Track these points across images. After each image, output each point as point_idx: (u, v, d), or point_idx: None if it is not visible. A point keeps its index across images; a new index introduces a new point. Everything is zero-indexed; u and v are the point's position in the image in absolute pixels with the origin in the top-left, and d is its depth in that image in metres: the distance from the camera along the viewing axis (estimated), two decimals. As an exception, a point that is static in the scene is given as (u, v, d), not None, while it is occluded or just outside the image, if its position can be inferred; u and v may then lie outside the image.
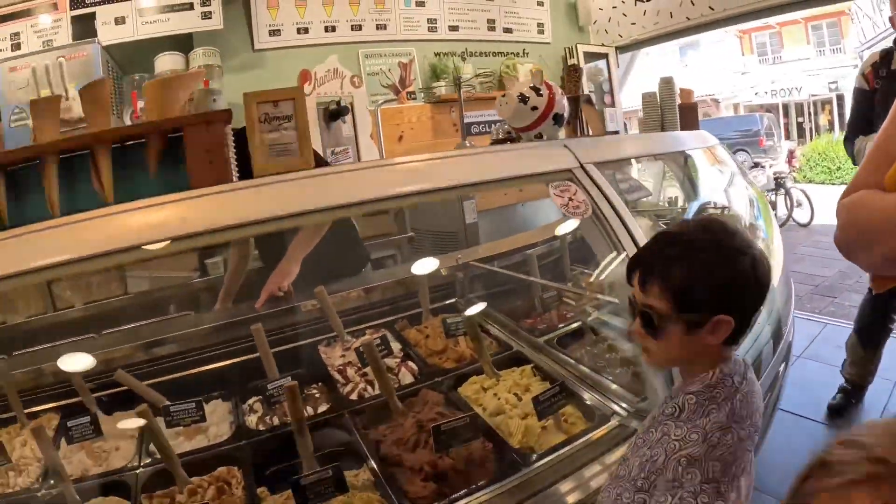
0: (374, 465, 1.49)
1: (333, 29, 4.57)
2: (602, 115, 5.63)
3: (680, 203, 3.09)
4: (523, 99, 1.76)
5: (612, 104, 5.54)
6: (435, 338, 2.12)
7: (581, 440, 1.54)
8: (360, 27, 4.65)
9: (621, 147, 2.29)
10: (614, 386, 1.77)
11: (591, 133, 2.74)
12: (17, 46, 3.89)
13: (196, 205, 1.30)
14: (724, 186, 2.96)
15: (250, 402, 1.82)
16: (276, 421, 1.70)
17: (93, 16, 3.94)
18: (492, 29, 5.25)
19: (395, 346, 2.13)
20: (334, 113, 4.12)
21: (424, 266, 2.26)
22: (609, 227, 1.65)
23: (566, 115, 1.87)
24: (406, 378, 1.95)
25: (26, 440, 1.54)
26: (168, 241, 1.27)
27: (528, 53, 5.38)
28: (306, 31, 4.49)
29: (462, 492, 1.37)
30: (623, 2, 5.41)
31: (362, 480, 1.46)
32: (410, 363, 2.03)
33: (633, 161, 2.67)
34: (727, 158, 3.09)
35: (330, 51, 4.47)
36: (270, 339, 1.89)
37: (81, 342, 2.15)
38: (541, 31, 5.53)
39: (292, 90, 1.49)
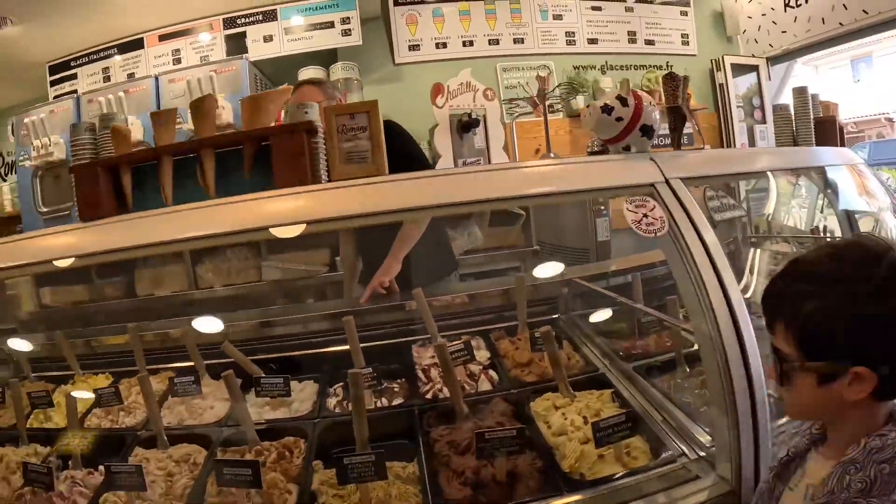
0: (424, 462, 1.56)
1: (471, 43, 4.66)
2: (751, 130, 5.30)
3: (809, 228, 2.87)
4: (607, 109, 1.68)
5: (763, 120, 5.13)
6: (523, 350, 2.13)
7: (633, 477, 1.46)
8: (497, 41, 4.70)
9: (720, 162, 2.10)
10: (693, 425, 1.63)
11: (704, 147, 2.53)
12: (177, 61, 4.46)
13: (276, 202, 1.50)
14: (864, 211, 2.58)
15: (335, 386, 1.99)
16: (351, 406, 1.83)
17: (244, 34, 4.40)
18: (633, 41, 5.03)
19: (484, 354, 2.19)
20: (466, 125, 4.19)
21: (525, 278, 2.33)
22: (688, 252, 1.49)
23: (657, 126, 1.75)
24: (484, 385, 1.99)
25: (139, 390, 1.83)
26: (256, 230, 1.55)
27: (671, 66, 5.12)
28: (444, 45, 4.63)
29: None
30: (773, 9, 4.95)
31: (409, 473, 1.54)
32: (492, 372, 2.07)
33: (749, 180, 2.54)
34: (872, 180, 2.68)
35: (465, 64, 4.56)
36: (372, 333, 2.10)
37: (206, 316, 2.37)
38: (685, 43, 5.21)
39: (368, 104, 1.62)
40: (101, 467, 1.54)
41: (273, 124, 1.70)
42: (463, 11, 4.69)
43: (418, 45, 4.60)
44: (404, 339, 2.28)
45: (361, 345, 1.98)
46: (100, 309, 3.82)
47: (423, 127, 4.41)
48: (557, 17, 4.84)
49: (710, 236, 1.50)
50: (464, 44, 4.66)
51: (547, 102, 4.12)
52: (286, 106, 1.72)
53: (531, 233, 4.04)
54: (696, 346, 1.70)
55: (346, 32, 4.35)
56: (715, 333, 1.36)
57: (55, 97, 4.71)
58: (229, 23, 4.39)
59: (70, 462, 1.65)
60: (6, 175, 5.80)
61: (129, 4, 4.10)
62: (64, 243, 1.66)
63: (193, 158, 1.68)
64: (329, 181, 1.59)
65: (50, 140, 4.11)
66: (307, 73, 4.18)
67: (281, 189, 1.53)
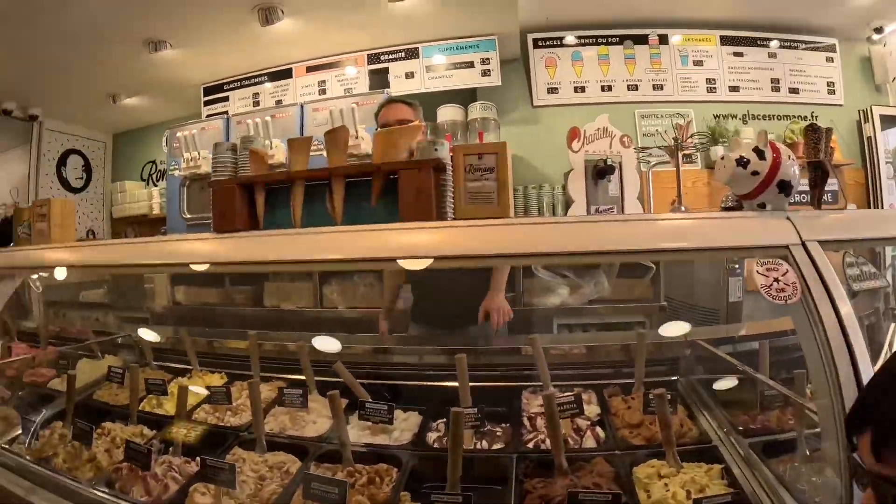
0: (513, 511, 1.54)
1: (609, 88, 4.69)
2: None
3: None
4: (742, 162, 1.61)
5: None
6: (635, 410, 2.07)
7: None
8: (636, 87, 4.70)
9: (864, 224, 1.89)
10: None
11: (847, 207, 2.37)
12: (322, 91, 4.77)
13: (399, 234, 1.59)
14: None
15: (438, 422, 1.99)
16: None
17: (387, 70, 4.62)
18: (776, 89, 4.85)
19: (594, 409, 2.14)
20: (601, 171, 4.16)
21: (646, 334, 2.25)
22: (819, 325, 1.37)
23: (796, 182, 1.65)
24: (588, 442, 1.94)
25: (249, 394, 1.94)
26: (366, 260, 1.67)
27: (816, 117, 4.92)
28: (583, 89, 4.68)
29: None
30: (925, 53, 4.68)
31: (496, 520, 1.53)
32: (599, 429, 2.00)
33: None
34: None
35: (602, 109, 4.46)
36: (485, 374, 2.15)
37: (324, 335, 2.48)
38: (831, 92, 4.96)
39: (496, 145, 1.67)
40: (199, 459, 1.65)
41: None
42: (602, 56, 4.74)
43: (557, 89, 4.68)
44: (517, 384, 2.26)
45: (473, 384, 1.98)
46: (225, 313, 4.12)
47: (558, 170, 4.47)
48: (698, 62, 4.80)
49: (845, 308, 1.39)
50: (602, 88, 4.71)
51: (684, 152, 4.06)
52: (417, 142, 1.79)
53: (660, 287, 3.97)
54: (819, 429, 1.58)
55: (486, 73, 4.46)
56: (840, 418, 1.26)
57: (207, 116, 5.15)
58: (373, 58, 4.65)
59: (171, 449, 1.79)
60: (157, 181, 6.40)
61: (281, 37, 4.40)
62: (199, 250, 1.90)
63: (324, 184, 1.78)
64: (454, 218, 1.65)
65: (199, 154, 4.47)
66: (446, 112, 4.39)
67: (405, 222, 1.60)
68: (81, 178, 6.78)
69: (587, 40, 4.76)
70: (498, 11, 4.20)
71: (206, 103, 5.30)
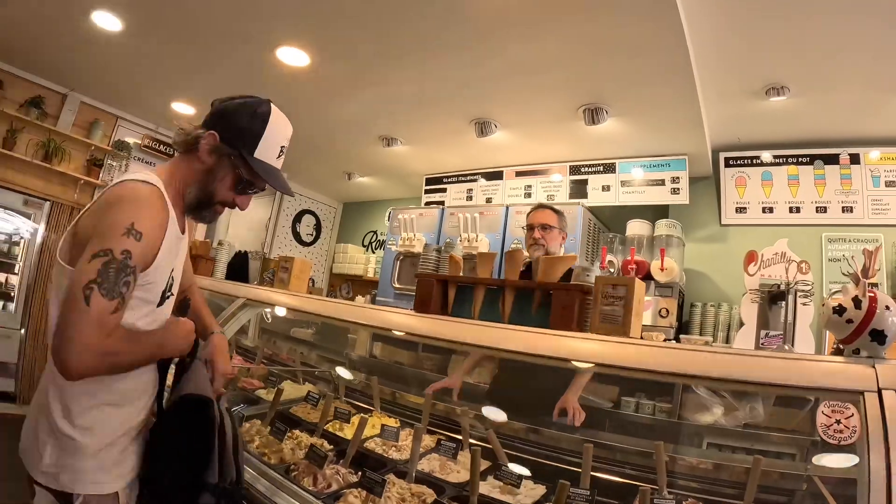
0: None
1: (798, 210, 4.86)
2: None
3: None
4: (838, 310, 1.73)
5: None
6: None
7: None
8: (824, 209, 4.79)
9: None
10: None
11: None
12: (528, 195, 5.63)
13: (547, 339, 2.04)
14: None
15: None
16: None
17: (586, 181, 5.31)
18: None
19: None
20: (773, 297, 4.40)
21: (761, 460, 2.25)
22: (866, 476, 1.40)
23: (890, 332, 1.72)
24: None
25: (412, 437, 2.45)
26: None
27: None
28: (771, 210, 4.94)
29: None
30: None
31: None
32: None
33: None
34: None
35: (788, 231, 4.71)
36: (612, 468, 2.38)
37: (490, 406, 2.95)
38: None
39: (627, 280, 2.09)
40: (361, 472, 2.18)
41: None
42: (791, 176, 4.89)
43: (745, 208, 4.99)
44: (638, 483, 2.40)
45: (597, 473, 2.20)
46: (411, 372, 4.74)
47: (737, 290, 4.72)
48: (891, 183, 4.74)
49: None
50: (790, 210, 4.85)
51: (871, 280, 4.13)
52: (572, 265, 2.40)
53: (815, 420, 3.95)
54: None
55: (675, 191, 4.96)
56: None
57: (426, 203, 6.36)
58: (574, 169, 5.41)
59: (341, 461, 2.29)
60: (375, 249, 7.83)
61: (493, 144, 5.37)
62: (403, 321, 2.50)
63: (499, 290, 2.44)
64: (589, 332, 2.08)
65: (415, 236, 5.58)
66: (634, 226, 4.97)
67: (554, 330, 2.09)
68: (312, 234, 8.55)
69: (778, 160, 4.96)
70: (688, 133, 4.67)
71: (427, 191, 6.52)
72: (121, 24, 4.29)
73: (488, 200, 5.86)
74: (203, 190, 1.64)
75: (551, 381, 2.96)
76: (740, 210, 5.03)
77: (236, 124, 1.63)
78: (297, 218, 8.50)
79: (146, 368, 1.62)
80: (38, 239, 5.94)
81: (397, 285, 5.72)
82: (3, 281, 5.87)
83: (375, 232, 8.23)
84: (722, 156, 5.14)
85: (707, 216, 5.14)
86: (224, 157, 1.63)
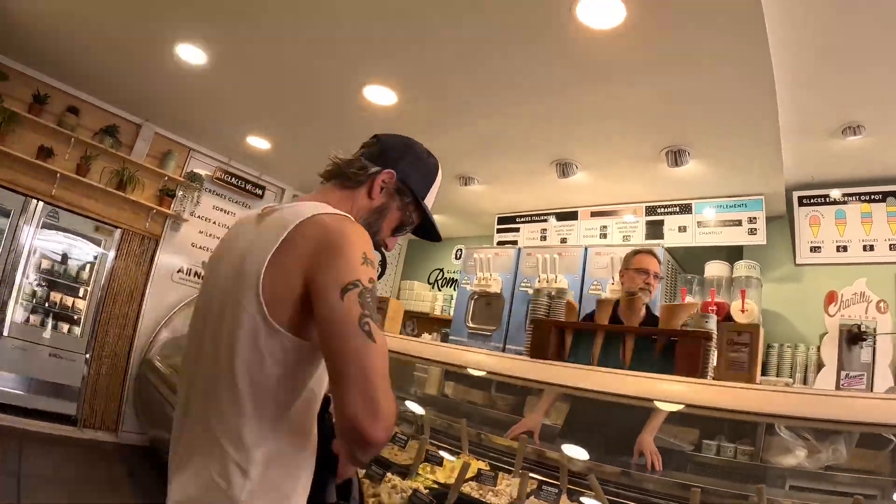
0: None
1: (871, 248, 5.05)
2: None
3: None
4: None
5: None
6: None
7: None
8: None
9: None
10: None
11: None
12: (603, 235, 6.01)
13: (671, 384, 2.18)
14: None
15: None
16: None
17: (662, 222, 5.68)
18: None
19: None
20: (853, 337, 4.61)
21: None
22: None
23: None
24: None
25: (508, 482, 2.65)
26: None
27: None
28: (845, 248, 5.16)
29: None
30: None
31: None
32: None
33: None
34: None
35: (862, 270, 4.91)
36: None
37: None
38: None
39: (753, 326, 2.33)
40: None
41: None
42: (865, 214, 5.09)
43: (819, 247, 5.22)
44: None
45: None
46: (488, 413, 4.77)
47: (813, 331, 4.95)
48: None
49: None
50: (864, 248, 5.04)
51: None
52: (691, 315, 2.56)
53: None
54: None
55: (752, 231, 5.28)
56: None
57: (498, 243, 6.77)
58: (650, 210, 5.79)
59: None
60: (441, 287, 8.18)
61: (571, 185, 5.75)
62: (517, 367, 2.67)
63: (619, 335, 2.69)
64: (713, 378, 2.21)
65: (491, 275, 5.92)
66: (713, 267, 5.31)
67: (677, 376, 2.20)
68: (377, 270, 8.83)
69: (850, 197, 5.17)
70: (765, 173, 4.97)
71: (499, 230, 6.95)
72: (205, 57, 4.68)
73: (563, 241, 6.25)
74: (369, 228, 1.54)
75: (628, 421, 3.04)
76: (815, 249, 5.26)
77: (413, 166, 1.65)
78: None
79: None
80: (108, 265, 6.28)
81: (471, 324, 6.02)
82: (70, 305, 6.17)
83: (442, 270, 8.60)
84: (795, 195, 5.38)
85: (781, 256, 5.40)
86: (395, 198, 1.63)
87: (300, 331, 1.33)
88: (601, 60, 3.77)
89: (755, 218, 5.33)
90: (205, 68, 4.86)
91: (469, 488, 2.54)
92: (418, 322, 7.95)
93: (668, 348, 2.49)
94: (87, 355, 6.16)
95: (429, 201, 1.70)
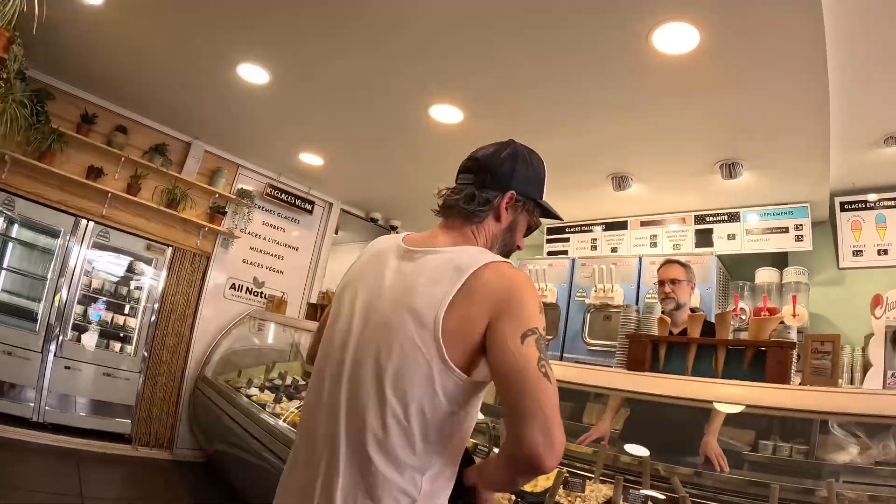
0: None
1: None
2: None
3: None
4: None
5: None
6: None
7: None
8: None
9: None
10: None
11: None
12: (654, 244, 6.38)
13: (761, 391, 2.30)
14: None
15: None
16: None
17: (711, 231, 6.08)
18: None
19: None
20: None
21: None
22: None
23: None
24: None
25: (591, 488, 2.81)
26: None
27: None
28: (885, 252, 5.46)
29: None
30: None
31: None
32: None
33: None
34: None
35: None
36: None
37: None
38: None
39: (833, 336, 2.46)
40: None
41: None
42: None
43: (861, 251, 5.51)
44: None
45: None
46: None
47: (859, 332, 5.27)
48: None
49: None
50: None
51: None
52: (774, 329, 2.75)
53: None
54: None
55: (799, 238, 5.64)
56: None
57: (548, 253, 7.17)
58: (699, 219, 6.16)
59: None
60: None
61: (622, 196, 6.10)
62: (618, 380, 2.85)
63: (710, 347, 2.84)
64: (800, 384, 2.38)
65: (546, 286, 6.24)
66: (763, 273, 5.71)
67: (769, 383, 2.36)
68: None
69: (888, 202, 5.49)
70: (812, 181, 5.31)
71: (549, 241, 7.33)
72: (268, 77, 4.93)
73: (613, 250, 6.60)
74: (505, 247, 1.76)
75: (688, 423, 3.26)
76: (857, 253, 5.54)
77: (525, 175, 1.75)
78: None
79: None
80: (161, 284, 6.51)
81: (589, 339, 6.13)
82: (122, 324, 6.37)
83: None
84: (837, 200, 5.68)
85: (825, 260, 5.74)
86: (519, 210, 1.75)
87: (470, 369, 1.47)
88: (669, 82, 4.08)
89: (801, 225, 5.67)
90: (265, 87, 5.11)
91: (558, 496, 2.67)
92: None
93: (760, 360, 2.67)
94: (141, 374, 6.38)
95: (545, 195, 1.82)
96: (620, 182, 5.74)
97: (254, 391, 5.60)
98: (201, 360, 6.75)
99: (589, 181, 5.95)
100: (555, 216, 1.84)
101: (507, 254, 1.76)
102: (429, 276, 1.53)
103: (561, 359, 5.88)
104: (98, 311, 6.29)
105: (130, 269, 6.52)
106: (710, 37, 3.54)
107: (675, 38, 3.59)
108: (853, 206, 5.68)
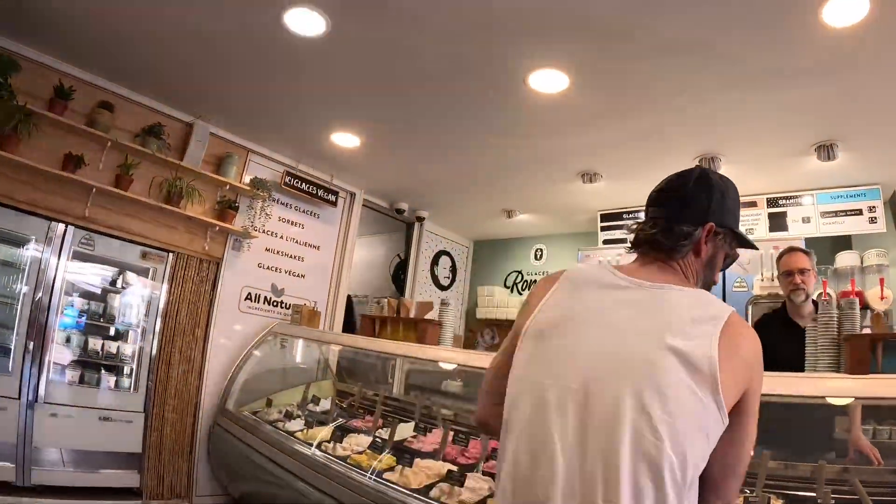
0: None
1: None
2: None
3: None
4: None
5: None
6: None
7: None
8: None
9: None
10: None
11: None
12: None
13: None
14: None
15: None
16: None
17: (784, 214, 6.06)
18: None
19: None
20: None
21: None
22: None
23: None
24: None
25: None
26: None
27: None
28: None
29: None
30: None
31: None
32: None
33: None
34: None
35: None
36: None
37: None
38: None
39: None
40: None
41: None
42: None
43: None
44: None
45: None
46: None
47: None
48: None
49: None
50: None
51: None
52: None
53: None
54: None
55: (873, 220, 5.77)
56: None
57: (604, 241, 6.94)
58: (772, 202, 6.16)
59: None
60: (522, 290, 8.40)
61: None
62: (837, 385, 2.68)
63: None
64: None
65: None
66: (845, 257, 5.82)
67: None
68: (448, 277, 8.94)
69: None
70: (885, 164, 5.44)
71: (604, 228, 7.08)
72: (325, 24, 3.93)
73: None
74: (705, 285, 1.72)
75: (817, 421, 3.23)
76: None
77: (721, 205, 1.70)
78: (435, 260, 8.70)
79: None
80: (161, 299, 5.44)
81: None
82: (115, 352, 5.25)
83: (520, 272, 8.51)
84: None
85: (889, 242, 5.89)
86: (716, 243, 1.70)
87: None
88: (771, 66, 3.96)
89: (874, 206, 5.79)
90: (317, 40, 4.13)
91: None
92: (500, 330, 7.83)
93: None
94: (146, 414, 5.31)
95: (740, 224, 1.80)
96: (710, 163, 5.54)
97: (296, 425, 4.79)
98: (218, 389, 5.75)
99: (671, 162, 5.61)
100: (751, 246, 1.82)
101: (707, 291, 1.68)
102: (679, 314, 1.47)
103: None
104: (83, 339, 5.11)
105: (122, 282, 5.36)
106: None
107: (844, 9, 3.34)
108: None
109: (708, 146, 5.43)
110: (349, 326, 7.13)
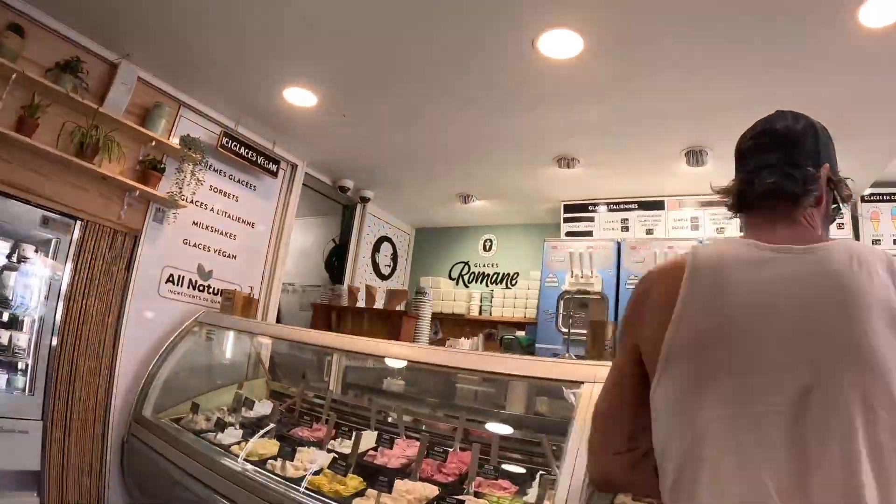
0: None
1: None
2: None
3: None
4: None
5: None
6: None
7: None
8: None
9: None
10: None
11: None
12: (695, 227, 6.15)
13: None
14: None
15: None
16: None
17: None
18: None
19: None
20: None
21: None
22: None
23: None
24: None
25: None
26: None
27: None
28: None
29: None
30: None
31: None
32: None
33: None
34: None
35: None
36: None
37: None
38: None
39: None
40: None
41: None
42: None
43: (879, 240, 5.89)
44: None
45: None
46: None
47: None
48: None
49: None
50: None
51: None
52: None
53: None
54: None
55: (840, 226, 5.86)
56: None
57: (566, 233, 6.63)
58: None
59: None
60: (468, 283, 7.84)
61: (658, 173, 5.80)
62: None
63: None
64: None
65: (592, 273, 5.68)
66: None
67: None
68: (389, 265, 8.38)
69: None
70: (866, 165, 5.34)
71: (567, 220, 6.76)
72: None
73: (648, 232, 6.24)
74: (827, 235, 1.49)
75: None
76: (875, 242, 5.94)
77: (826, 144, 1.51)
78: (377, 246, 8.02)
79: None
80: (65, 279, 4.41)
81: (563, 329, 5.67)
82: (7, 344, 4.21)
83: (467, 263, 8.02)
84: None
85: None
86: (827, 190, 1.48)
87: None
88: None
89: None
90: None
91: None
92: (443, 325, 7.35)
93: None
94: (45, 422, 4.27)
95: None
96: (698, 157, 5.37)
97: (230, 437, 4.04)
98: (133, 390, 4.76)
99: (656, 154, 5.53)
100: (849, 199, 1.53)
101: None
102: (859, 278, 1.22)
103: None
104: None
105: (16, 256, 4.27)
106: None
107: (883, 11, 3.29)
108: (872, 198, 6.06)
109: (698, 138, 5.22)
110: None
